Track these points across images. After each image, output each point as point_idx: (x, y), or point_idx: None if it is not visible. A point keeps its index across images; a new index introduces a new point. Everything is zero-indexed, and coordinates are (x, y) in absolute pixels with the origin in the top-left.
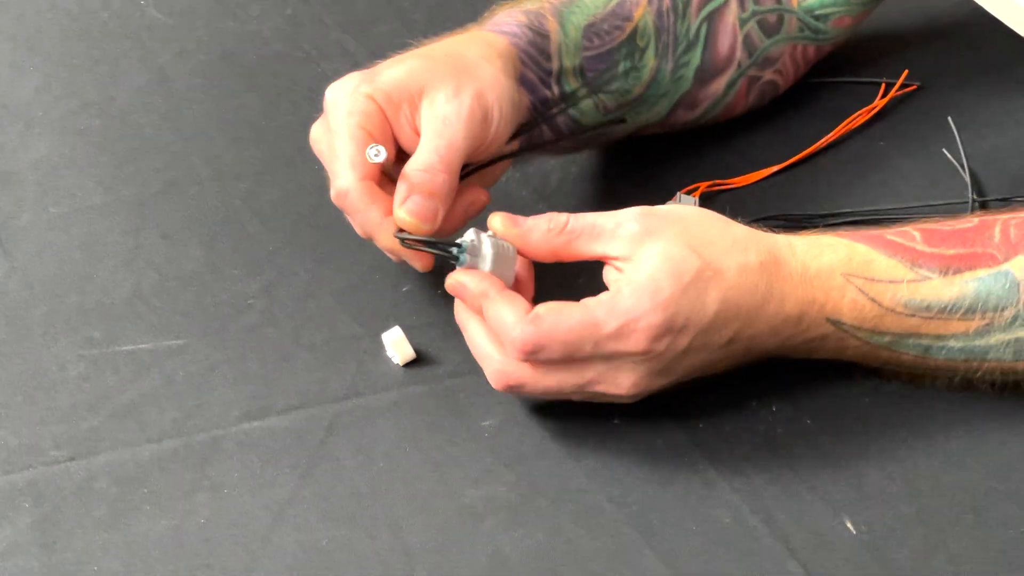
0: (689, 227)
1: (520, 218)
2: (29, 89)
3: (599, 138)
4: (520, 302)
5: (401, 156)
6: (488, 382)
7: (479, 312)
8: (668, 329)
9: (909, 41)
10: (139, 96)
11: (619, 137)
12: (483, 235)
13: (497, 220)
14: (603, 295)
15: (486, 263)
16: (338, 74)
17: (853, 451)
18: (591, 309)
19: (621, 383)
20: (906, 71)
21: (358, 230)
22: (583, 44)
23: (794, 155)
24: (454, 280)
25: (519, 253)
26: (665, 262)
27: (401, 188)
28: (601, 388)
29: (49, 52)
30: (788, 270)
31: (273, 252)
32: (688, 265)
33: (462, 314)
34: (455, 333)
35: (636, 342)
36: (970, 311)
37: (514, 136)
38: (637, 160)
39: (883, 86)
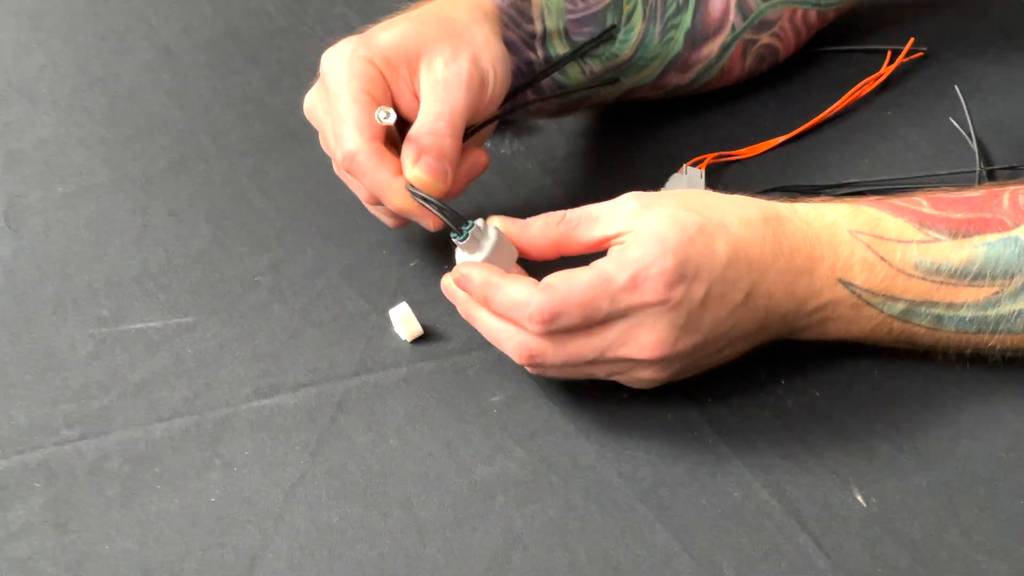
0: (685, 196)
1: (519, 219)
2: (34, 66)
3: (591, 99)
4: (526, 279)
5: (400, 122)
6: (497, 358)
7: (484, 303)
8: (682, 275)
9: (914, 8)
10: (145, 73)
11: (612, 99)
12: (490, 225)
13: (498, 220)
14: (611, 253)
15: (488, 246)
16: None
17: (863, 424)
18: (600, 267)
19: (644, 342)
20: (912, 39)
21: (364, 195)
22: (566, 7)
23: (800, 125)
24: (458, 274)
25: (522, 253)
26: (667, 220)
27: (410, 149)
28: (624, 351)
29: (54, 29)
30: (793, 227)
31: (280, 229)
32: (691, 221)
33: (468, 308)
34: None
35: (652, 290)
36: (979, 276)
37: (505, 99)
38: (643, 133)
39: (889, 54)
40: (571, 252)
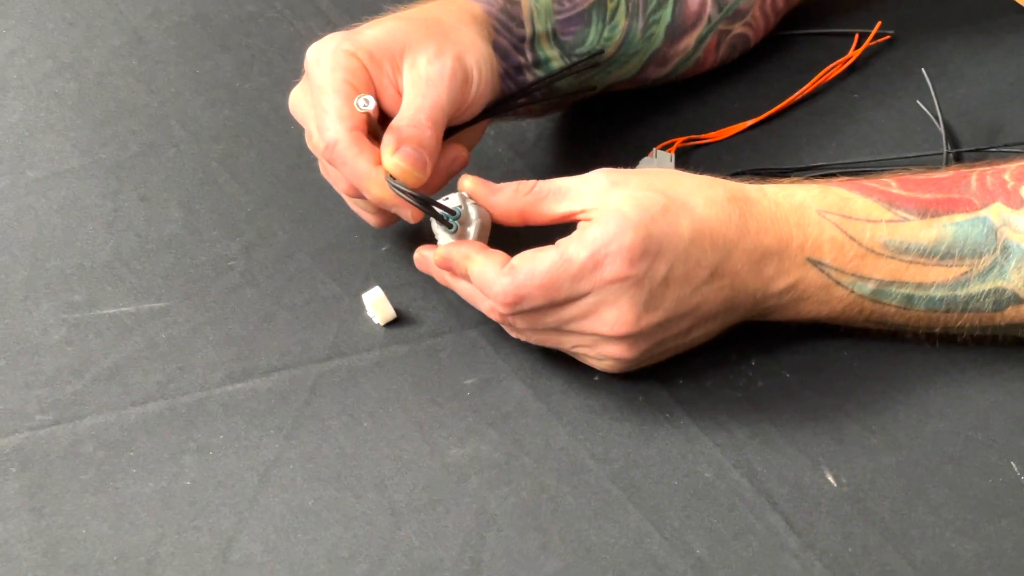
0: (653, 175)
1: (490, 182)
2: (3, 52)
3: (570, 99)
4: (499, 257)
5: (383, 119)
6: (470, 342)
7: (465, 276)
8: (644, 251)
9: None
10: (114, 58)
11: (592, 95)
12: (468, 202)
13: (469, 181)
14: (576, 230)
15: (472, 231)
16: (311, 33)
17: (833, 404)
18: (562, 246)
19: (607, 319)
20: (879, 22)
21: (343, 185)
22: (553, 8)
23: (768, 109)
24: (440, 258)
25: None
26: (630, 200)
27: (390, 139)
28: (588, 326)
29: (22, 14)
30: (760, 207)
31: (251, 213)
32: (654, 201)
33: (446, 278)
34: (435, 292)
35: (613, 268)
36: (948, 255)
37: (495, 104)
38: (613, 117)
39: (856, 37)
40: (536, 223)
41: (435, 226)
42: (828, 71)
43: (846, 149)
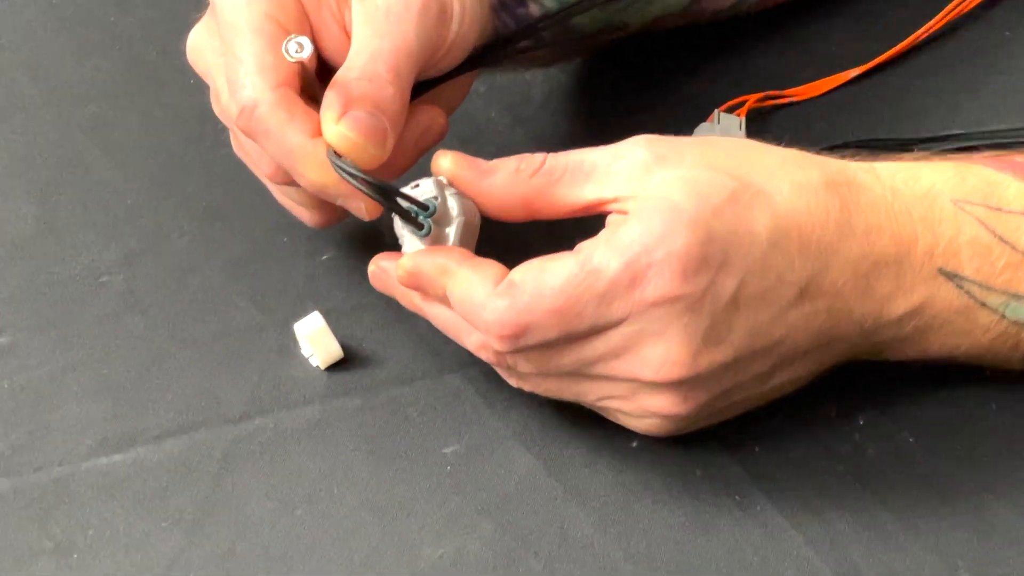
0: (716, 147)
1: (478, 160)
2: None
3: (592, 42)
4: (491, 270)
5: (324, 72)
6: (453, 392)
7: (443, 299)
8: (703, 260)
9: None
10: None
11: (621, 37)
12: (447, 190)
13: (447, 159)
14: (605, 228)
15: (453, 231)
16: None
17: (974, 479)
18: (585, 252)
19: (649, 358)
20: None
21: (266, 167)
22: None
23: (880, 54)
24: (404, 272)
25: (479, 208)
26: (683, 184)
27: (333, 98)
28: (621, 368)
29: None
30: (871, 196)
31: (134, 207)
32: (718, 185)
33: (416, 302)
34: (399, 321)
35: (658, 284)
36: None
37: (485, 49)
38: (654, 67)
39: None
40: (546, 217)
41: (399, 225)
42: (964, 1)
43: (992, 111)
